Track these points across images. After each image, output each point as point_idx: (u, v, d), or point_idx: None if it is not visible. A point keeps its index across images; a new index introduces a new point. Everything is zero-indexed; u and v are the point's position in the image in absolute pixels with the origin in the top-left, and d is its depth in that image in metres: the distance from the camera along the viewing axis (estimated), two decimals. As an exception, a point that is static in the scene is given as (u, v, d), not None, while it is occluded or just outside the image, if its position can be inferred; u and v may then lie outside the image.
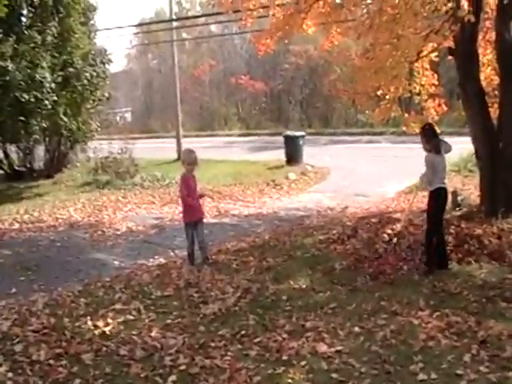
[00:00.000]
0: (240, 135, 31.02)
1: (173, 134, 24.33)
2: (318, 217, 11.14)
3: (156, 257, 8.62)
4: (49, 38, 14.95)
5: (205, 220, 10.64)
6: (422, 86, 10.44)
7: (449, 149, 6.93)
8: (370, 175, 16.16)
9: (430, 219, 6.82)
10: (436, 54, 9.69)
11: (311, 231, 9.28)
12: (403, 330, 5.03)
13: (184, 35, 37.67)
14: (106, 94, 17.80)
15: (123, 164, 16.97)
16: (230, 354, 4.75)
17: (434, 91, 10.62)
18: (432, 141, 6.74)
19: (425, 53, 9.14)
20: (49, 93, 14.38)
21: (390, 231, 8.09)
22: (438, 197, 6.72)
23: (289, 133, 20.00)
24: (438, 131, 7.09)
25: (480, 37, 9.36)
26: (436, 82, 10.65)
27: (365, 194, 13.66)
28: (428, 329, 5.02)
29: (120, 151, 17.27)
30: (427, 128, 6.99)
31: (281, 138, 19.68)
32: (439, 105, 10.67)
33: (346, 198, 13.10)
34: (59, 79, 14.99)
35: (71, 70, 15.50)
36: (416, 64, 9.74)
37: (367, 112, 15.71)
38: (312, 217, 11.18)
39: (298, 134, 19.39)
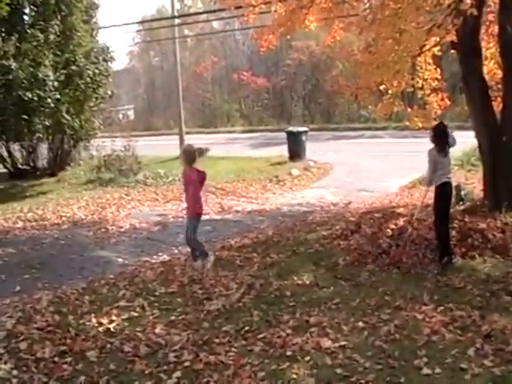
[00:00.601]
0: (242, 132, 30.97)
1: (175, 131, 24.27)
2: (321, 212, 11.12)
3: (159, 254, 8.62)
4: (51, 37, 14.98)
5: (207, 216, 10.73)
6: (425, 80, 10.41)
7: (453, 143, 6.91)
8: (373, 170, 16.13)
9: (436, 214, 6.83)
10: (439, 48, 9.67)
11: (314, 227, 9.27)
12: (407, 325, 5.03)
13: (186, 32, 37.65)
14: (109, 92, 17.81)
15: (126, 162, 17.00)
16: (234, 350, 4.75)
17: (437, 85, 10.60)
18: (438, 140, 6.71)
19: (427, 47, 9.11)
20: (51, 91, 14.41)
21: (393, 226, 8.07)
22: (442, 192, 6.72)
23: (291, 128, 19.92)
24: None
25: (483, 30, 9.33)
26: (439, 77, 10.63)
27: (368, 189, 13.63)
28: (432, 323, 5.02)
29: (123, 149, 17.30)
30: (437, 127, 6.96)
31: (283, 134, 19.62)
32: (442, 99, 10.65)
33: (349, 194, 13.08)
34: (62, 77, 15.01)
35: (74, 68, 15.52)
36: (419, 58, 9.72)
37: (370, 107, 15.68)
38: (315, 212, 11.16)
39: (300, 129, 19.31)
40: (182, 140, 21.74)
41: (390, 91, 9.75)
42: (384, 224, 8.33)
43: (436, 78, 10.55)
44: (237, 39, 40.04)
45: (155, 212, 12.08)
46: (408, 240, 7.21)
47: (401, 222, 8.28)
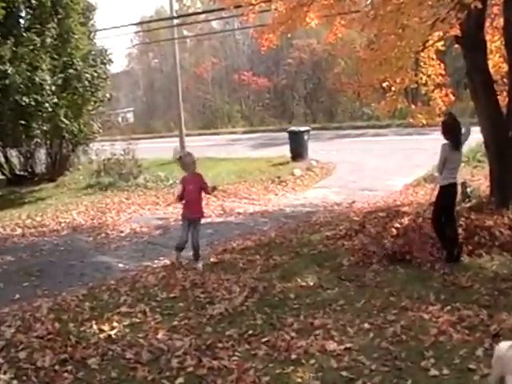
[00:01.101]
0: (244, 132, 30.98)
1: (176, 133, 24.29)
2: (324, 213, 11.11)
3: (161, 258, 8.60)
4: (48, 40, 14.97)
5: (209, 219, 10.79)
6: (429, 76, 10.39)
7: (467, 135, 6.82)
8: (377, 169, 16.13)
9: (434, 212, 6.82)
10: (442, 43, 9.64)
11: (318, 227, 9.26)
12: (414, 326, 5.00)
13: (185, 33, 37.74)
14: (108, 95, 17.84)
15: (126, 165, 17.02)
16: (237, 354, 4.73)
17: (441, 81, 10.57)
18: (449, 134, 6.64)
19: (431, 42, 9.08)
20: (49, 95, 14.42)
21: (398, 225, 8.05)
22: (446, 194, 6.67)
23: (293, 128, 19.93)
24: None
25: (487, 24, 9.27)
26: (443, 72, 10.59)
27: (372, 188, 13.62)
28: (439, 323, 4.99)
29: (122, 152, 17.33)
30: (446, 120, 6.87)
31: (285, 134, 19.62)
32: (446, 95, 10.61)
33: (353, 193, 13.07)
34: (59, 81, 15.02)
35: (71, 71, 15.54)
36: (422, 54, 9.70)
37: (373, 105, 15.71)
38: (318, 213, 11.15)
39: (302, 129, 19.31)
40: (182, 142, 21.76)
41: (393, 88, 9.73)
42: (389, 223, 8.32)
43: (440, 74, 10.52)
44: (237, 39, 40.14)
45: (156, 216, 12.09)
46: (418, 229, 7.19)
47: (406, 220, 8.26)
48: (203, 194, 7.80)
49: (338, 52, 29.26)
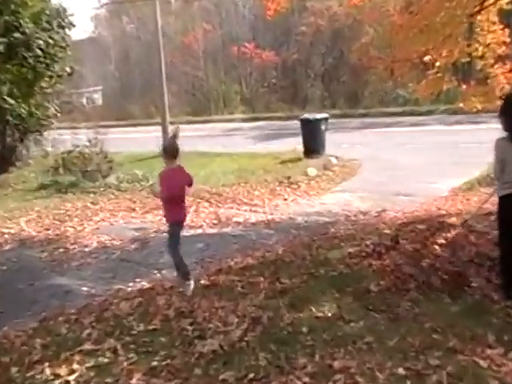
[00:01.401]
0: (244, 120, 31.18)
1: (157, 120, 24.40)
2: (346, 223, 11.13)
3: (137, 280, 8.59)
4: (-18, -8, 14.87)
5: (200, 231, 10.81)
6: (487, 46, 10.25)
7: None
8: (415, 168, 16.18)
9: (498, 227, 6.76)
10: (508, 0, 9.51)
11: (338, 242, 9.26)
12: (465, 374, 4.94)
13: (169, -9, 37.90)
14: (68, 69, 17.86)
15: (93, 160, 17.05)
16: (234, 404, 4.73)
17: (504, 52, 10.42)
18: (505, 121, 6.52)
19: (491, 0, 8.98)
20: (-14, 66, 14.37)
21: (442, 241, 8.02)
22: (505, 206, 6.56)
23: (307, 116, 20.10)
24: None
25: None
26: (507, 40, 10.41)
27: (408, 192, 13.65)
28: (502, 373, 4.91)
29: (88, 143, 17.33)
30: (506, 101, 6.74)
31: (297, 123, 19.81)
32: (511, 70, 10.49)
33: (383, 199, 13.11)
34: (1, 48, 14.91)
35: (17, 35, 15.43)
36: (478, 17, 9.58)
37: (410, 85, 15.70)
38: (338, 223, 11.17)
39: (318, 116, 19.48)
40: (165, 132, 21.81)
41: (437, 63, 9.69)
42: (430, 238, 8.31)
43: (503, 42, 10.33)
44: (235, 1, 40.24)
45: (131, 225, 12.09)
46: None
47: (453, 235, 8.23)
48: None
49: (365, 17, 29.44)
